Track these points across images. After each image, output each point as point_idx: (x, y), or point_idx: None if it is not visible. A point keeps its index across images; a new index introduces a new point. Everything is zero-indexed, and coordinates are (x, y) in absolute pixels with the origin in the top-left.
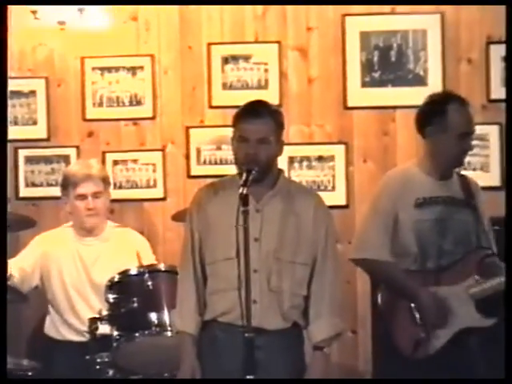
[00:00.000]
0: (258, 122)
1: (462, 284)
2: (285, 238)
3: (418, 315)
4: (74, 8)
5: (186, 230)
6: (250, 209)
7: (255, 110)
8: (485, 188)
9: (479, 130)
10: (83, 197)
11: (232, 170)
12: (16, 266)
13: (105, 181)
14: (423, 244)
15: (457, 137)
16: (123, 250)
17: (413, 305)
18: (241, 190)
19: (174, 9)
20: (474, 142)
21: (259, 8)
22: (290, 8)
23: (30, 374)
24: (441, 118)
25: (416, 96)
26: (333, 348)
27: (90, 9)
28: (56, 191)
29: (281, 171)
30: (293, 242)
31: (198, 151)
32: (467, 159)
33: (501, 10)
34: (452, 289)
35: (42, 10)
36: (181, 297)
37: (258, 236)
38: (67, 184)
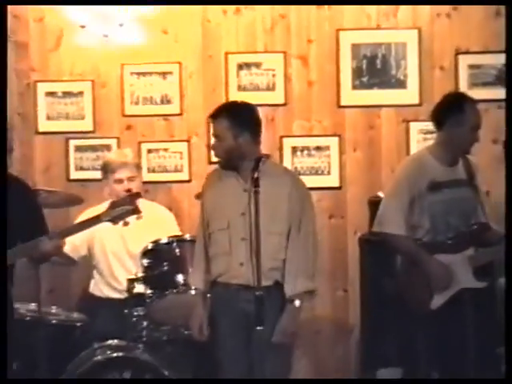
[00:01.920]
0: (214, 122)
1: (464, 253)
2: (266, 212)
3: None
4: (116, 22)
5: (200, 206)
6: (238, 188)
7: (213, 113)
8: None
9: None
10: (120, 181)
11: None
12: (67, 240)
13: (138, 166)
14: (434, 221)
15: (470, 129)
16: (155, 223)
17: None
18: (254, 175)
19: (197, 24)
20: None
21: (268, 23)
22: (293, 23)
23: (78, 324)
24: (459, 114)
25: (397, 97)
26: (327, 305)
27: (128, 23)
28: (100, 175)
29: (264, 157)
30: (272, 215)
31: None
32: None
33: (467, 24)
34: (455, 256)
35: (89, 25)
36: (194, 259)
37: (245, 211)
38: (106, 170)
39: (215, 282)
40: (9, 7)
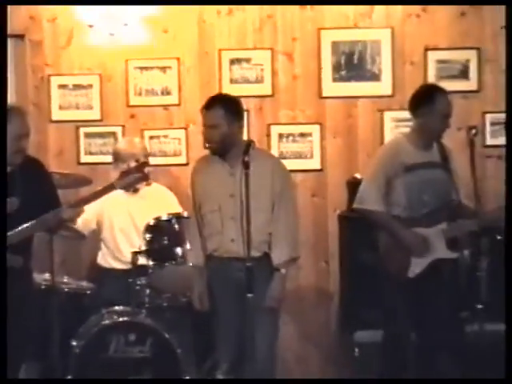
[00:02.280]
0: (209, 113)
1: (437, 226)
2: (252, 192)
3: (404, 249)
4: (121, 22)
5: (191, 189)
6: (224, 172)
7: (207, 104)
8: None
9: None
10: None
11: None
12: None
13: (145, 156)
14: (410, 198)
15: (440, 117)
16: (158, 202)
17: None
18: (245, 159)
19: (194, 24)
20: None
21: (257, 23)
22: (279, 23)
23: (87, 292)
24: (430, 104)
25: (372, 89)
26: (310, 275)
27: (132, 23)
28: (107, 158)
29: (250, 143)
30: (257, 195)
31: None
32: None
33: (435, 24)
34: (430, 230)
35: (97, 24)
36: (190, 239)
37: (233, 193)
38: (116, 159)
39: (210, 255)
40: (24, 9)
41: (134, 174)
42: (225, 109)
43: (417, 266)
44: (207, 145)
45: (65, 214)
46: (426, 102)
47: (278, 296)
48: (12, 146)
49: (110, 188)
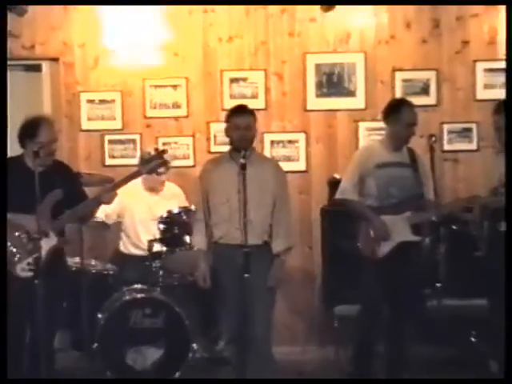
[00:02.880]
0: (244, 116)
1: (403, 215)
2: (256, 189)
3: (372, 233)
4: (139, 47)
5: (200, 185)
6: (233, 171)
7: (241, 110)
8: None
9: None
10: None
11: None
12: (102, 209)
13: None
14: (380, 190)
15: (406, 126)
16: (170, 197)
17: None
18: (241, 161)
19: (199, 48)
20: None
21: (253, 48)
22: (272, 48)
23: (111, 273)
24: (397, 114)
25: (349, 103)
26: (297, 258)
27: (148, 48)
28: (127, 161)
29: (253, 147)
30: (261, 191)
31: (215, 136)
32: None
33: (402, 49)
34: (396, 217)
35: (119, 49)
36: (196, 226)
37: (239, 189)
38: (142, 162)
39: (216, 243)
40: (59, 37)
41: (156, 160)
42: (253, 115)
43: (385, 247)
44: (242, 143)
45: (103, 198)
46: (395, 112)
47: (277, 278)
48: (44, 149)
49: (137, 173)
